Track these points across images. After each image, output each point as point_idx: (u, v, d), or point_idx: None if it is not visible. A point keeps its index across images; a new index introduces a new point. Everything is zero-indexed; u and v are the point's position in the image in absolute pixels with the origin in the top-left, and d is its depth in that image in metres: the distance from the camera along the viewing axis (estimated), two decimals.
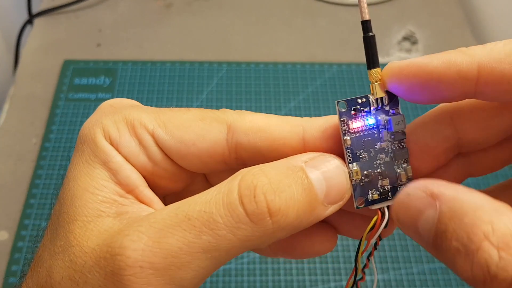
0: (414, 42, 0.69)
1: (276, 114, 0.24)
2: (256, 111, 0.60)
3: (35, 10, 0.70)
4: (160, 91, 0.63)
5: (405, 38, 0.69)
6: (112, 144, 0.22)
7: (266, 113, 0.24)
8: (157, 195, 0.24)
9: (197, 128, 0.23)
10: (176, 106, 0.61)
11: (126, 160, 0.22)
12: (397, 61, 0.21)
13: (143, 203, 0.23)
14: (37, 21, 0.70)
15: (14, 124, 0.59)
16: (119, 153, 0.22)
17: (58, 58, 0.65)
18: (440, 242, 0.18)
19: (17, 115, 0.60)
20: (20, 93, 0.62)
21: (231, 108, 0.24)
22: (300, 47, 0.68)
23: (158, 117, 0.23)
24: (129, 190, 0.22)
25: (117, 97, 0.61)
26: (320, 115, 0.24)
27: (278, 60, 0.67)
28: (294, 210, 0.20)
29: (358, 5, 0.22)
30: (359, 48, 0.67)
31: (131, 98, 0.26)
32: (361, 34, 0.22)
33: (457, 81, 0.19)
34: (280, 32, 0.70)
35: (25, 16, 0.70)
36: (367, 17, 0.22)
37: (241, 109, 0.24)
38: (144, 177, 0.23)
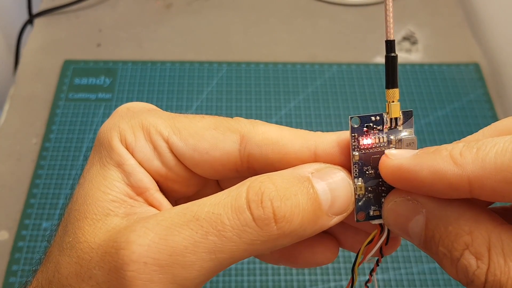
0: (414, 42, 0.69)
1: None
2: (256, 111, 0.60)
3: (35, 10, 0.70)
4: (160, 91, 0.63)
5: (405, 38, 0.70)
6: (127, 148, 0.23)
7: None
8: (169, 198, 0.24)
9: (211, 137, 0.23)
10: (176, 106, 0.61)
11: (140, 164, 0.23)
12: (388, 151, 0.21)
13: (153, 206, 0.23)
14: (37, 21, 0.70)
15: (14, 124, 0.59)
16: (134, 157, 0.23)
17: (58, 58, 0.65)
18: (430, 246, 0.20)
19: (17, 115, 0.60)
20: (20, 93, 0.62)
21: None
22: (300, 47, 0.68)
23: (173, 124, 0.23)
24: (140, 192, 0.23)
25: (117, 97, 0.61)
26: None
27: (278, 60, 0.67)
28: (298, 217, 0.20)
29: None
30: (359, 48, 0.67)
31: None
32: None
33: (449, 191, 0.19)
34: (280, 32, 0.70)
35: (25, 16, 0.71)
36: (392, 37, 0.22)
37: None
38: (157, 181, 0.24)
